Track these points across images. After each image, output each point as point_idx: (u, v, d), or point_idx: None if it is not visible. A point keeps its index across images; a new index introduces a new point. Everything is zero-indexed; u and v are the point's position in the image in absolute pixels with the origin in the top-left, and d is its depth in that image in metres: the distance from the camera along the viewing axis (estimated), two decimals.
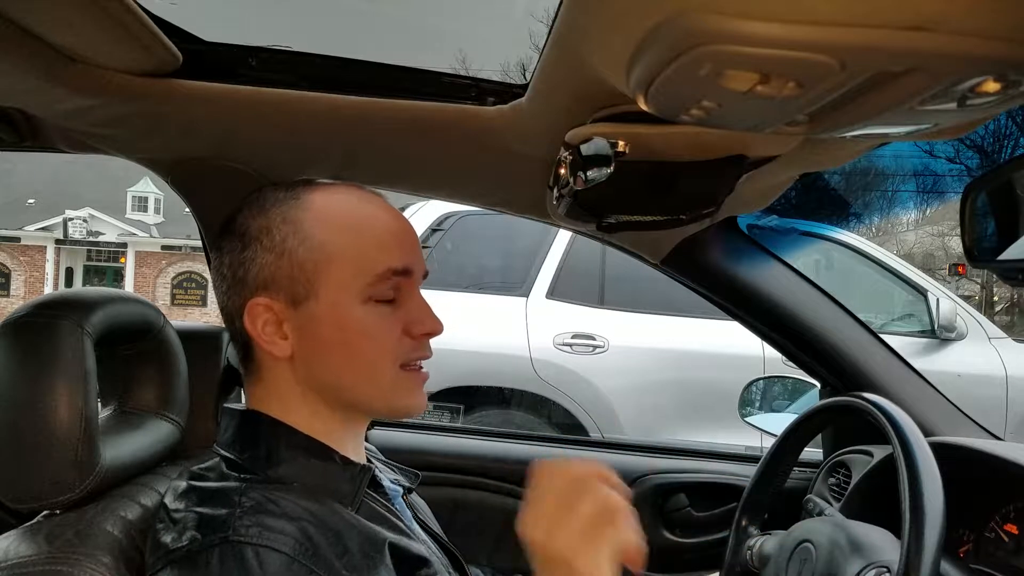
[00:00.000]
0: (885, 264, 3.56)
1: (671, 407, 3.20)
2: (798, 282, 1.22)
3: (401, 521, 0.73)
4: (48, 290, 20.12)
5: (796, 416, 1.11)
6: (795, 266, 1.23)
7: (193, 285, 22.94)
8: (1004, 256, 0.68)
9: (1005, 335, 3.53)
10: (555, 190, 0.83)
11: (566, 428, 3.18)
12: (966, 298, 9.70)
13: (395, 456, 0.91)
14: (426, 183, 1.13)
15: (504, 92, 0.87)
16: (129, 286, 21.85)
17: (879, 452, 1.10)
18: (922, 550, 0.72)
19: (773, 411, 1.61)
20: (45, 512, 0.71)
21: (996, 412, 3.15)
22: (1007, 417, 3.20)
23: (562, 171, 0.76)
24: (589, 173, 0.70)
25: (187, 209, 1.09)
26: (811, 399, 1.37)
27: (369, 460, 0.79)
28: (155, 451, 0.82)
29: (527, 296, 3.28)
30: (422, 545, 0.73)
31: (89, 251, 24.00)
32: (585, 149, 0.70)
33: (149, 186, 23.81)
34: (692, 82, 0.44)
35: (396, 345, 0.71)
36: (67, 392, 0.68)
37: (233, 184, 1.00)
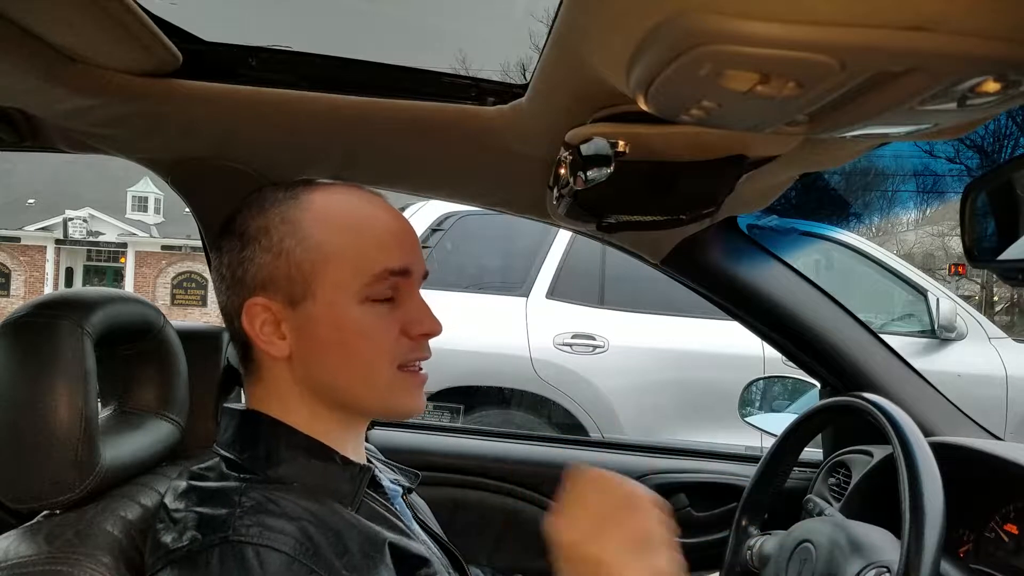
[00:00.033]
0: (885, 264, 3.56)
1: (671, 407, 3.20)
2: (798, 282, 1.22)
3: (401, 521, 0.73)
4: (48, 290, 20.12)
5: (796, 416, 1.11)
6: (795, 266, 1.23)
7: (193, 285, 22.95)
8: (1004, 256, 0.68)
9: (1005, 335, 3.53)
10: (555, 190, 0.83)
11: (566, 428, 3.18)
12: (966, 298, 9.70)
13: (395, 456, 0.91)
14: (426, 183, 1.13)
15: (504, 92, 0.87)
16: (129, 286, 21.85)
17: (879, 452, 1.10)
18: (922, 550, 0.72)
19: (773, 411, 1.61)
20: (45, 512, 0.71)
21: (996, 412, 3.15)
22: (1007, 417, 3.20)
23: (562, 171, 0.76)
24: (589, 173, 0.70)
25: (187, 209, 1.09)
26: (811, 399, 1.37)
27: (369, 460, 0.79)
28: (155, 451, 0.82)
29: (527, 296, 3.28)
30: (422, 545, 0.73)
31: (89, 251, 24.01)
32: (585, 149, 0.70)
33: (149, 186, 23.82)
34: (692, 82, 0.44)
35: (393, 346, 0.71)
36: (67, 392, 0.68)
37: (233, 184, 1.00)
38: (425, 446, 1.45)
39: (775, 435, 1.13)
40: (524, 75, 1.91)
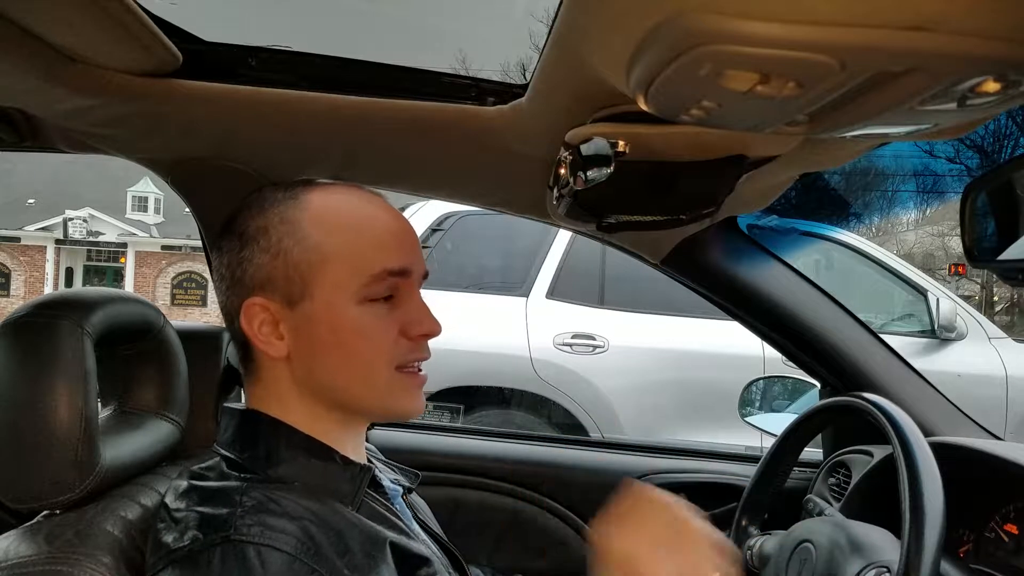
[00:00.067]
0: (885, 264, 3.56)
1: (671, 407, 3.20)
2: (798, 282, 1.22)
3: (401, 521, 0.73)
4: (48, 290, 20.12)
5: (796, 416, 1.11)
6: (795, 266, 1.23)
7: (193, 285, 22.95)
8: (1004, 256, 0.68)
9: (1005, 335, 3.53)
10: (555, 190, 0.83)
11: (566, 428, 3.18)
12: (966, 298, 9.70)
13: (395, 456, 0.91)
14: (426, 183, 1.13)
15: (504, 92, 0.87)
16: (129, 286, 21.85)
17: (879, 452, 1.10)
18: (922, 550, 0.72)
19: (773, 411, 1.61)
20: (45, 512, 0.71)
21: (996, 412, 3.15)
22: (1007, 417, 3.20)
23: (562, 171, 0.76)
24: (589, 173, 0.70)
25: (187, 209, 1.09)
26: (811, 399, 1.37)
27: (369, 460, 0.79)
28: (155, 451, 0.82)
29: (527, 296, 3.28)
30: (422, 545, 0.73)
31: (89, 251, 24.01)
32: (585, 149, 0.70)
33: (149, 186, 23.82)
34: (692, 82, 0.44)
35: (392, 346, 0.70)
36: (67, 392, 0.68)
37: (233, 184, 1.00)
38: (425, 446, 1.45)
39: (775, 435, 1.13)
40: (524, 75, 1.91)
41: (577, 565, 1.40)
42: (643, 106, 0.52)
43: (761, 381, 1.68)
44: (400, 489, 0.81)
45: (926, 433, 0.87)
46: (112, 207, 23.49)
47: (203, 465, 0.70)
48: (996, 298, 16.22)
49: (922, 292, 3.44)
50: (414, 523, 0.78)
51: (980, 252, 0.72)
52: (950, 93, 0.42)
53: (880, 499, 1.00)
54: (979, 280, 15.42)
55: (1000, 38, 0.37)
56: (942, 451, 0.83)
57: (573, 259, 3.30)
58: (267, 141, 0.97)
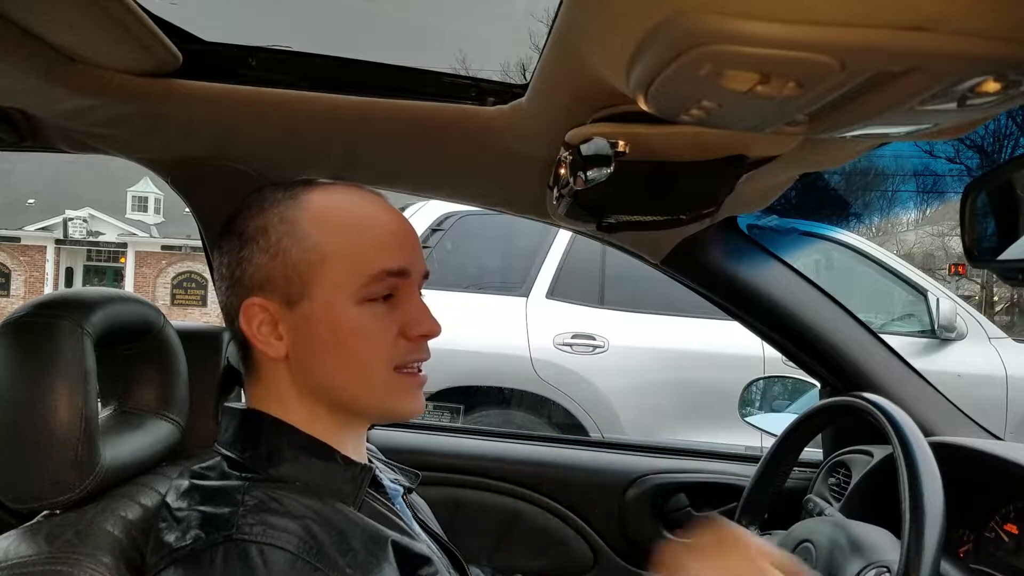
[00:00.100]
0: (885, 264, 3.56)
1: (671, 407, 3.20)
2: (798, 282, 1.22)
3: (402, 521, 0.73)
4: (48, 290, 20.12)
5: (796, 416, 1.11)
6: (795, 266, 1.23)
7: (193, 285, 22.95)
8: (1004, 256, 0.68)
9: (1005, 335, 3.52)
10: (555, 190, 0.83)
11: (566, 428, 3.18)
12: (966, 298, 9.70)
13: (395, 456, 0.91)
14: (426, 183, 1.13)
15: (504, 92, 0.87)
16: (129, 286, 21.85)
17: (879, 452, 1.10)
18: (922, 550, 0.72)
19: (773, 411, 1.61)
20: (45, 512, 0.71)
21: (996, 412, 3.15)
22: (1007, 417, 3.20)
23: (562, 171, 0.76)
24: (589, 173, 0.70)
25: (187, 209, 1.09)
26: (811, 399, 1.37)
27: (369, 460, 0.79)
28: (155, 451, 0.82)
29: (527, 296, 3.28)
30: (423, 545, 0.73)
31: (89, 251, 24.01)
32: (585, 149, 0.70)
33: (149, 186, 23.81)
34: (692, 82, 0.44)
35: (391, 347, 0.70)
36: (67, 392, 0.68)
37: (233, 184, 1.00)
38: (425, 446, 1.45)
39: (775, 435, 1.13)
40: (524, 75, 1.91)
41: (577, 565, 1.40)
42: (643, 106, 0.52)
43: (761, 381, 1.68)
44: (400, 489, 0.81)
45: (926, 433, 0.87)
46: (112, 207, 23.49)
47: (204, 465, 0.70)
48: (996, 298, 16.22)
49: (922, 292, 3.44)
50: (414, 523, 0.78)
51: (980, 252, 0.72)
52: (950, 93, 0.42)
53: (880, 499, 1.00)
54: (979, 280, 15.42)
55: (1000, 38, 0.37)
56: (942, 451, 0.83)
57: (573, 259, 3.30)
58: (267, 141, 0.97)
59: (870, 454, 1.13)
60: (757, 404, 1.64)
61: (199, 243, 1.14)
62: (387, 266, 0.70)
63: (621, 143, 0.70)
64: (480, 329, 3.15)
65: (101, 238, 23.27)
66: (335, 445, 0.72)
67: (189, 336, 0.92)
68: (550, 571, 1.39)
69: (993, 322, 3.77)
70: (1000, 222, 0.70)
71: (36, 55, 0.71)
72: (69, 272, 23.69)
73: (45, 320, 0.70)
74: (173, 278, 23.10)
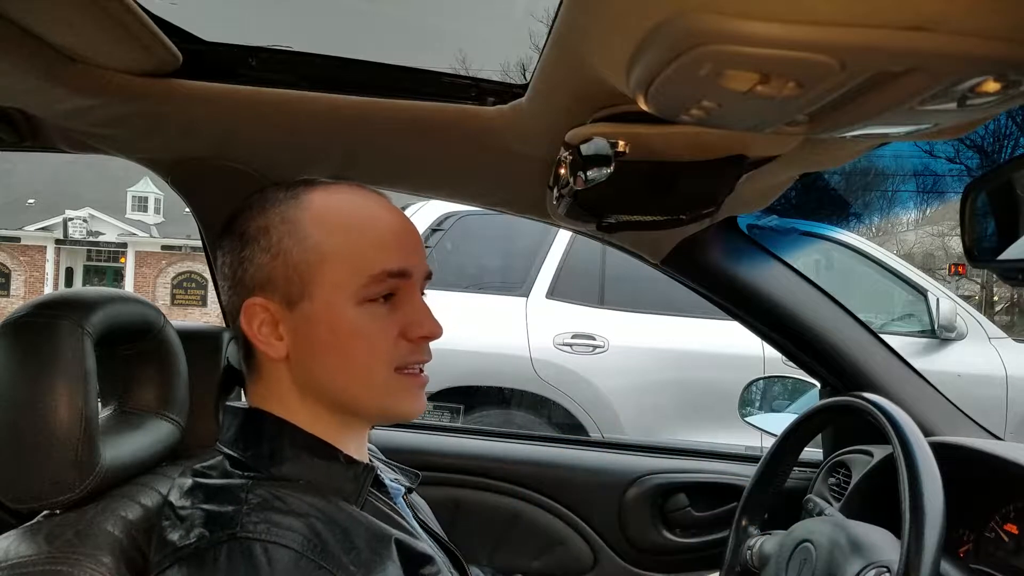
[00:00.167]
0: (885, 264, 3.56)
1: (671, 407, 3.20)
2: (798, 282, 1.22)
3: (404, 520, 0.73)
4: (48, 290, 20.12)
5: (796, 416, 1.10)
6: (795, 266, 1.23)
7: (193, 285, 22.94)
8: (1004, 256, 0.68)
9: (1005, 335, 3.52)
10: (555, 190, 0.83)
11: (566, 428, 3.17)
12: (966, 298, 9.70)
13: (395, 456, 0.91)
14: (426, 183, 1.13)
15: (504, 92, 0.87)
16: (129, 286, 21.85)
17: (879, 452, 1.10)
18: (922, 550, 0.72)
19: (773, 411, 1.61)
20: (45, 512, 0.71)
21: (996, 412, 3.15)
22: (1007, 417, 3.20)
23: (562, 171, 0.76)
24: (589, 173, 0.70)
25: (187, 209, 1.09)
26: (811, 399, 1.37)
27: (370, 460, 0.79)
28: (155, 451, 0.82)
29: (527, 296, 3.28)
30: (425, 544, 0.73)
31: (89, 251, 24.00)
32: (585, 149, 0.70)
33: (149, 186, 23.81)
34: (692, 82, 0.44)
35: (391, 348, 0.70)
36: (67, 392, 0.68)
37: (233, 184, 1.00)
38: (425, 446, 1.45)
39: (775, 435, 1.13)
40: (524, 75, 1.91)
41: (577, 565, 1.40)
42: (643, 106, 0.52)
43: (761, 381, 1.68)
44: (401, 489, 0.81)
45: (926, 433, 0.87)
46: (112, 207, 23.49)
47: (206, 464, 0.70)
48: (996, 298, 16.21)
49: (922, 292, 3.44)
50: (415, 523, 0.78)
51: (980, 252, 0.72)
52: (950, 93, 0.42)
53: (880, 499, 1.00)
54: (979, 280, 15.42)
55: (1000, 38, 0.37)
56: (942, 451, 0.83)
57: (573, 259, 3.30)
58: (267, 141, 0.97)
59: (870, 454, 1.13)
60: (757, 404, 1.64)
61: (199, 243, 1.14)
62: (388, 267, 0.69)
63: (621, 143, 0.70)
64: (480, 329, 3.15)
65: (101, 238, 23.27)
66: (337, 445, 0.71)
67: (189, 336, 0.92)
68: (550, 571, 1.39)
69: (993, 322, 3.77)
70: (1000, 222, 0.70)
71: (36, 55, 0.71)
72: (69, 272, 23.69)
73: (45, 320, 0.70)
74: (173, 278, 23.10)
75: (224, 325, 1.00)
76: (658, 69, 0.45)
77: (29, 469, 0.68)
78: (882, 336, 1.25)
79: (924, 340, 3.36)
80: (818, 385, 1.34)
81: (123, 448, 0.76)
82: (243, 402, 0.77)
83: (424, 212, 3.26)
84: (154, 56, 0.77)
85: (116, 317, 0.78)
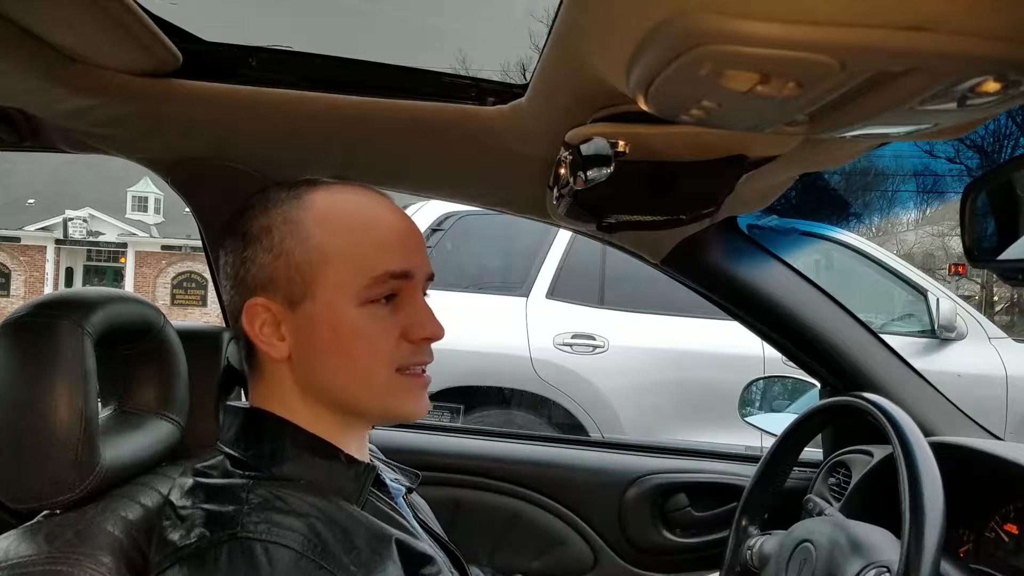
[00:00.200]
0: (885, 264, 3.56)
1: (671, 407, 3.20)
2: (798, 282, 1.22)
3: (405, 520, 0.73)
4: (48, 290, 20.11)
5: (796, 416, 1.11)
6: (795, 266, 1.23)
7: (193, 285, 22.94)
8: (1004, 256, 0.68)
9: (1005, 335, 3.52)
10: (555, 190, 0.83)
11: (566, 428, 3.17)
12: (966, 298, 9.70)
13: (395, 456, 0.91)
14: (426, 183, 1.13)
15: (504, 92, 0.87)
16: (129, 286, 21.85)
17: (879, 452, 1.10)
18: (922, 550, 0.72)
19: (773, 411, 1.61)
20: (45, 512, 0.71)
21: (996, 412, 3.15)
22: (1007, 417, 3.20)
23: (562, 171, 0.76)
24: (589, 173, 0.70)
25: (187, 209, 1.09)
26: (811, 399, 1.37)
27: (371, 459, 0.79)
28: (155, 451, 0.82)
29: (527, 296, 3.28)
30: (425, 544, 0.73)
31: (89, 251, 24.00)
32: (585, 149, 0.70)
33: (149, 186, 23.81)
34: (692, 82, 0.44)
35: (393, 349, 0.70)
36: (67, 392, 0.68)
37: (233, 184, 1.00)
38: (425, 446, 1.45)
39: (775, 435, 1.13)
40: (524, 75, 1.91)
41: (577, 565, 1.40)
42: (643, 106, 0.52)
43: (761, 381, 1.68)
44: (401, 489, 0.81)
45: (926, 433, 0.87)
46: (112, 207, 23.49)
47: (206, 463, 0.70)
48: (996, 298, 16.21)
49: (922, 292, 3.44)
50: (415, 523, 0.78)
51: (980, 252, 0.72)
52: (950, 93, 0.42)
53: (880, 499, 1.00)
54: (979, 280, 15.42)
55: (1000, 38, 0.37)
56: (942, 451, 0.83)
57: (573, 259, 3.30)
58: (267, 141, 0.97)
59: (870, 454, 1.13)
60: (757, 404, 1.64)
61: (199, 243, 1.14)
62: (390, 268, 0.69)
63: (621, 143, 0.70)
64: (480, 329, 3.15)
65: (101, 238, 23.27)
66: (338, 445, 0.71)
67: (189, 336, 0.92)
68: (550, 571, 1.39)
69: (993, 322, 3.77)
70: (1000, 222, 0.70)
71: (36, 55, 0.71)
72: (69, 272, 23.69)
73: (45, 320, 0.70)
74: (173, 278, 23.10)
75: (224, 325, 1.00)
76: (658, 69, 0.45)
77: (29, 469, 0.68)
78: (882, 336, 1.25)
79: (924, 340, 3.36)
80: (818, 385, 1.34)
81: (123, 448, 0.76)
82: (244, 402, 0.77)
83: (424, 212, 3.26)
84: (154, 56, 0.77)
85: (116, 317, 0.78)
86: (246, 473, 0.67)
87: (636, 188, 0.80)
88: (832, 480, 1.21)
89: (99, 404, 0.78)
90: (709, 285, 1.23)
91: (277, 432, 0.70)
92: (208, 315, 20.91)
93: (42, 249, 22.97)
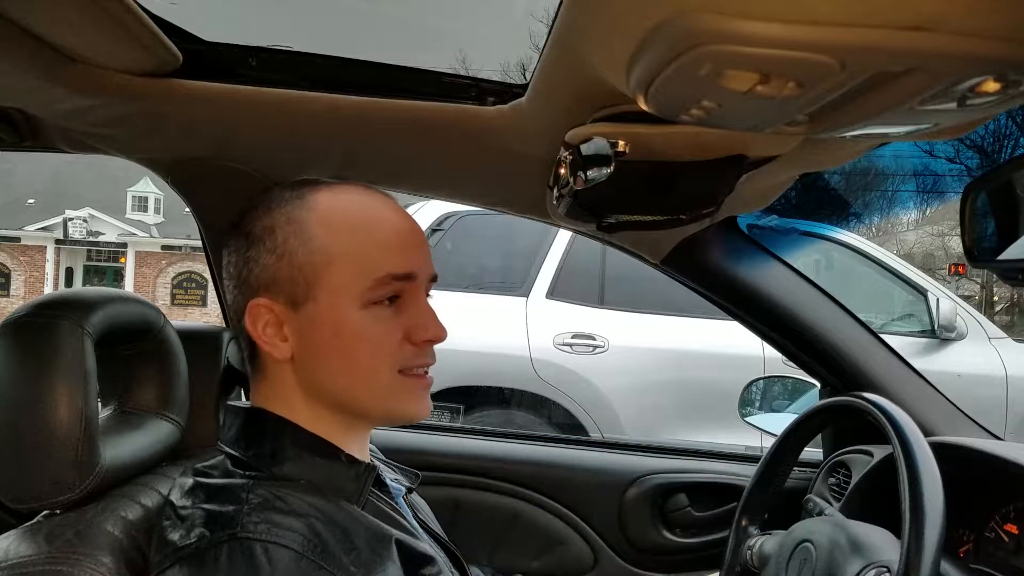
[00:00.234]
0: (885, 264, 3.56)
1: (671, 407, 3.20)
2: (798, 282, 1.22)
3: (405, 520, 0.73)
4: (48, 290, 20.12)
5: (796, 416, 1.11)
6: (795, 266, 1.23)
7: (193, 285, 22.94)
8: (1004, 256, 0.68)
9: (1005, 335, 3.52)
10: (555, 190, 0.83)
11: (566, 428, 3.18)
12: (966, 298, 9.70)
13: (395, 456, 0.91)
14: (426, 183, 1.13)
15: (504, 92, 0.87)
16: (129, 286, 21.85)
17: (879, 452, 1.10)
18: (922, 550, 0.72)
19: (773, 411, 1.61)
20: (45, 512, 0.71)
21: (996, 412, 3.15)
22: (1007, 417, 3.20)
23: (562, 171, 0.76)
24: (589, 173, 0.70)
25: (187, 209, 1.09)
26: (811, 399, 1.37)
27: (371, 460, 0.79)
28: (155, 451, 0.82)
29: (527, 296, 3.28)
30: (426, 544, 0.73)
31: (89, 251, 24.00)
32: (585, 149, 0.70)
33: (149, 186, 23.81)
34: (692, 82, 0.44)
35: (395, 350, 0.70)
36: (67, 392, 0.68)
37: (233, 184, 1.00)
38: (425, 446, 1.45)
39: (775, 435, 1.13)
40: (524, 75, 1.91)
41: (577, 565, 1.40)
42: (643, 106, 0.52)
43: (761, 381, 1.68)
44: (402, 489, 0.81)
45: (926, 433, 0.87)
46: (112, 207, 23.49)
47: (207, 463, 0.70)
48: (996, 298, 16.21)
49: (922, 292, 3.44)
50: (415, 523, 0.78)
51: (980, 252, 0.72)
52: (950, 93, 0.42)
53: (880, 499, 1.00)
54: (979, 280, 15.42)
55: (1000, 38, 0.37)
56: (942, 451, 0.83)
57: (573, 259, 3.30)
58: (267, 141, 0.97)
59: (870, 454, 1.13)
60: (757, 404, 1.64)
61: (199, 243, 1.14)
62: (393, 270, 0.69)
63: (621, 143, 0.70)
64: (480, 329, 3.15)
65: (101, 238, 23.27)
66: (339, 445, 0.71)
67: (189, 336, 0.92)
68: (550, 571, 1.39)
69: (993, 322, 3.77)
70: (1000, 222, 0.70)
71: (36, 55, 0.71)
72: (69, 272, 23.69)
73: (45, 320, 0.70)
74: (173, 278, 23.10)
75: (224, 325, 1.00)
76: (658, 69, 0.45)
77: (29, 469, 0.68)
78: (882, 336, 1.25)
79: (924, 340, 3.36)
80: (818, 385, 1.34)
81: (123, 448, 0.76)
82: (244, 402, 0.77)
83: (424, 212, 3.26)
84: (154, 56, 0.77)
85: (116, 317, 0.78)
86: (246, 473, 0.67)
87: (636, 188, 0.80)
88: (832, 480, 1.21)
89: (99, 404, 0.78)
90: (709, 285, 1.23)
91: (278, 432, 0.70)
92: (208, 315, 20.91)
93: (42, 249, 22.97)
